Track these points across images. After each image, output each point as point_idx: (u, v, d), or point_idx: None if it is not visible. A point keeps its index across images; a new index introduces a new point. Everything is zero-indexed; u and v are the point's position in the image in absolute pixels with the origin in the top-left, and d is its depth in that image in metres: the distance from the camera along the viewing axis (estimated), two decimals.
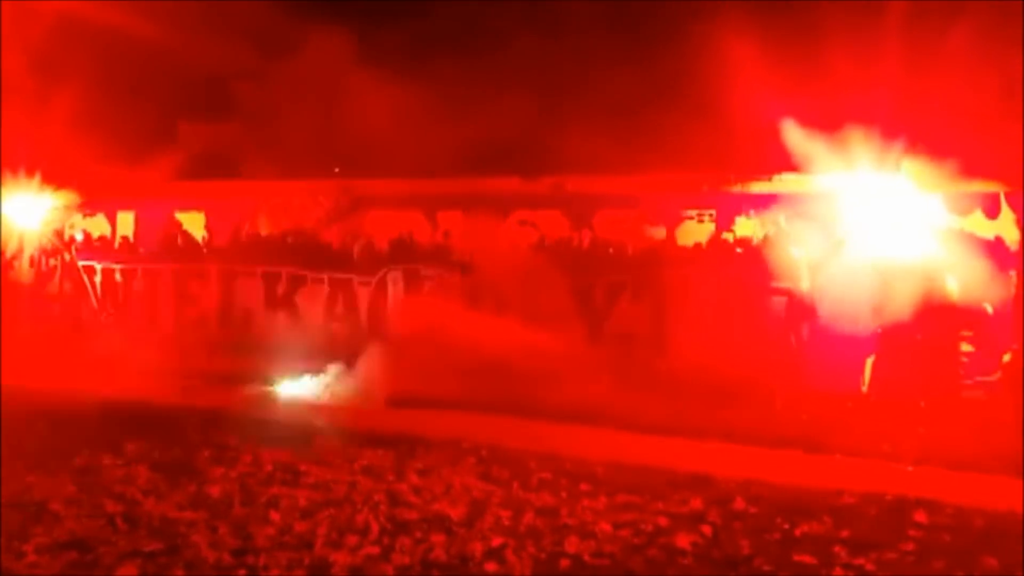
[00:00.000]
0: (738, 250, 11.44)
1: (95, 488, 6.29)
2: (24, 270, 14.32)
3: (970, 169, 9.67)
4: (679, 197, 12.12)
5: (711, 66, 10.45)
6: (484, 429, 8.33)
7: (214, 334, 12.95)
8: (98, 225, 15.03)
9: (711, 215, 11.96)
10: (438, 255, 12.30)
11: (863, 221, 10.28)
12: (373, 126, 12.27)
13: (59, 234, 14.52)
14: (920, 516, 5.94)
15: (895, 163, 10.06)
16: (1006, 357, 9.66)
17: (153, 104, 14.84)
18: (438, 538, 5.38)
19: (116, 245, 14.74)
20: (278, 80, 14.34)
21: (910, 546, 5.41)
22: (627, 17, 14.01)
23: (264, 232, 13.93)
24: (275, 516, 5.74)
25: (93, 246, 14.60)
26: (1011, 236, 10.16)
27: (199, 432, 7.97)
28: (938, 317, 9.47)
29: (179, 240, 14.32)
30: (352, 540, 5.34)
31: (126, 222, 14.95)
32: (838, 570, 5.05)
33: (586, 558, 5.17)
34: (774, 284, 10.50)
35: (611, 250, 12.16)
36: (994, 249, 9.98)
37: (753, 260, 10.91)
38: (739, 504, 6.15)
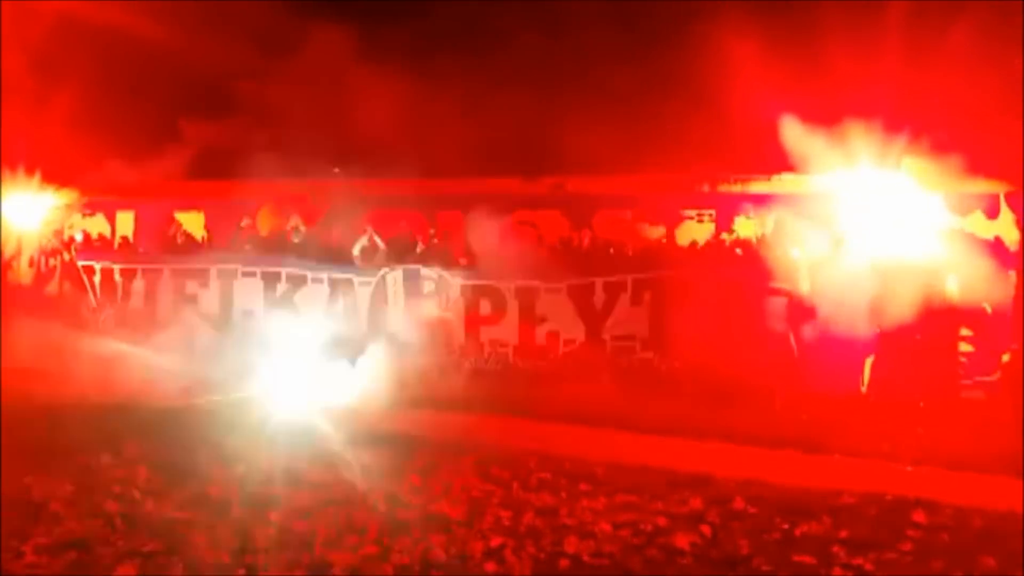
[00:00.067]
0: (738, 250, 11.44)
1: (95, 488, 6.27)
2: (23, 270, 14.31)
3: (970, 169, 9.67)
4: (679, 197, 12.12)
5: (712, 65, 10.45)
6: (484, 429, 8.34)
7: (213, 334, 12.93)
8: (98, 225, 15.01)
9: (711, 215, 11.96)
10: (438, 255, 12.30)
11: (862, 221, 10.27)
12: (373, 126, 12.28)
13: (59, 234, 14.49)
14: (919, 516, 5.94)
15: (895, 163, 10.08)
16: (1005, 357, 9.67)
17: (153, 103, 14.82)
18: (437, 538, 5.38)
19: (116, 245, 14.72)
20: (278, 79, 14.34)
21: (909, 546, 5.41)
22: (628, 17, 14.01)
23: (264, 232, 13.92)
24: (275, 516, 5.73)
25: (93, 246, 14.58)
26: (1011, 236, 10.15)
27: (199, 432, 7.95)
28: (937, 317, 9.46)
29: (179, 240, 14.31)
30: (351, 540, 5.34)
31: (126, 222, 14.93)
32: (837, 570, 5.05)
33: (585, 558, 5.17)
34: (774, 284, 10.50)
35: (611, 250, 12.17)
36: (994, 249, 9.98)
37: (753, 260, 10.91)
38: (738, 504, 6.14)
